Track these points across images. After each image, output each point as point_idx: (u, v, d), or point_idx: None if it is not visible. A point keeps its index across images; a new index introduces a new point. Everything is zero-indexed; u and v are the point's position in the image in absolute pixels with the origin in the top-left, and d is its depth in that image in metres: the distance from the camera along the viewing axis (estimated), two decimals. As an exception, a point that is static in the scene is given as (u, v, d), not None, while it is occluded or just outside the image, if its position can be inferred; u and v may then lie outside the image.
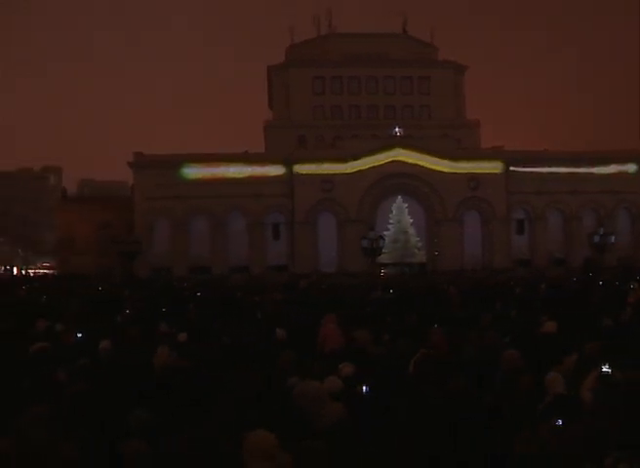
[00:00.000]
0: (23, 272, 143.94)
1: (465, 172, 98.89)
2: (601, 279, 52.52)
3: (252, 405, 9.63)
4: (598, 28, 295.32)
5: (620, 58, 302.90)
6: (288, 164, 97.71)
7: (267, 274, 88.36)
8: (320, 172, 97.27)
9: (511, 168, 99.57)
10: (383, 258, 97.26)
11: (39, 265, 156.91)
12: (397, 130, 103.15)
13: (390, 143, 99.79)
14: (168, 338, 17.99)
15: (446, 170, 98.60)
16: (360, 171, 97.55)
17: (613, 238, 57.27)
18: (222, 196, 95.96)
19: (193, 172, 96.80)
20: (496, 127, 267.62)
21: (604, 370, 10.41)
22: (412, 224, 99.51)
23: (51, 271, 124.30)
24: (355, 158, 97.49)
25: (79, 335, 18.99)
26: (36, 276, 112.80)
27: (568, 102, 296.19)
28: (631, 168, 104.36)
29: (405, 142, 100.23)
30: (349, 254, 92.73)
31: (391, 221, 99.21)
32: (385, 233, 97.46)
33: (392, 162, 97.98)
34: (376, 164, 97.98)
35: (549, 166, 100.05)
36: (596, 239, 59.61)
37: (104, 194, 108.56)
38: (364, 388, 10.73)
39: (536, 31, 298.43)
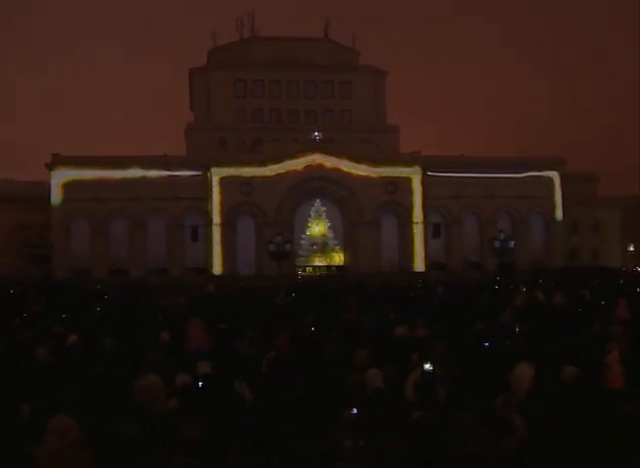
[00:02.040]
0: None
1: (383, 176, 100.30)
2: (512, 282, 54.17)
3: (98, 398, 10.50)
4: (523, 38, 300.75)
5: (544, 65, 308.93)
6: (207, 167, 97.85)
7: (186, 276, 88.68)
8: (239, 175, 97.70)
9: (428, 172, 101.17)
10: (302, 261, 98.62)
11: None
12: (316, 134, 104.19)
13: (309, 147, 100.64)
14: (52, 340, 18.54)
15: (364, 174, 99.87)
16: (279, 174, 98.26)
17: (512, 243, 58.84)
18: (141, 198, 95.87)
19: (112, 173, 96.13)
20: (415, 132, 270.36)
21: (426, 367, 11.39)
22: (330, 227, 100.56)
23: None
24: (275, 161, 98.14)
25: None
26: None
27: (486, 109, 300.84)
28: (546, 174, 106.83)
29: (324, 146, 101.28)
30: (268, 257, 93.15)
31: (309, 224, 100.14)
32: (303, 236, 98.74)
33: (311, 166, 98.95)
34: (295, 167, 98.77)
35: (466, 171, 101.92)
36: (496, 244, 61.24)
37: (24, 195, 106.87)
38: (199, 383, 11.58)
39: (458, 36, 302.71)
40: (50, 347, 16.90)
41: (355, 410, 8.92)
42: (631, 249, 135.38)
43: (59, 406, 9.29)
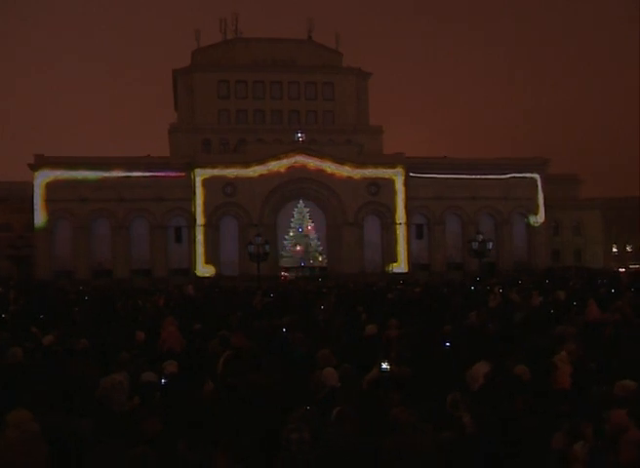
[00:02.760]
0: None
1: (366, 177, 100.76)
2: (489, 283, 54.60)
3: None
4: (507, 40, 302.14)
5: (527, 66, 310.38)
6: (190, 167, 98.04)
7: (169, 277, 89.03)
8: (222, 175, 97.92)
9: (411, 173, 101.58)
10: (285, 262, 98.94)
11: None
12: (299, 135, 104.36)
13: (292, 148, 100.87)
14: (28, 340, 18.87)
15: (347, 175, 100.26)
16: (262, 175, 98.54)
17: (491, 244, 59.37)
18: (125, 199, 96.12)
19: (95, 174, 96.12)
20: (399, 133, 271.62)
21: (383, 366, 11.79)
22: (313, 228, 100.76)
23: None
24: (258, 163, 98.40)
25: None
26: None
27: (470, 110, 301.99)
28: (529, 175, 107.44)
29: (307, 148, 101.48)
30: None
31: (293, 225, 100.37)
32: (286, 237, 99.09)
33: (294, 167, 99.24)
34: (278, 169, 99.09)
35: (448, 172, 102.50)
36: (474, 246, 61.77)
37: (8, 195, 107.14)
38: (162, 380, 11.98)
39: (442, 37, 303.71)
40: (24, 347, 17.18)
41: (308, 407, 9.30)
42: (615, 250, 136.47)
43: (20, 401, 9.68)
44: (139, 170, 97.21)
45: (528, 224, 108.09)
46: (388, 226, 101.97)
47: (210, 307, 31.73)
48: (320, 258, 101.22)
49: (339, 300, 34.70)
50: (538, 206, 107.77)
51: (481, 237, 59.52)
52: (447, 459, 8.27)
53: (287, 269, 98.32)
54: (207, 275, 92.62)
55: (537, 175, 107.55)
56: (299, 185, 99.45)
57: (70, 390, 11.12)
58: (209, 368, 13.55)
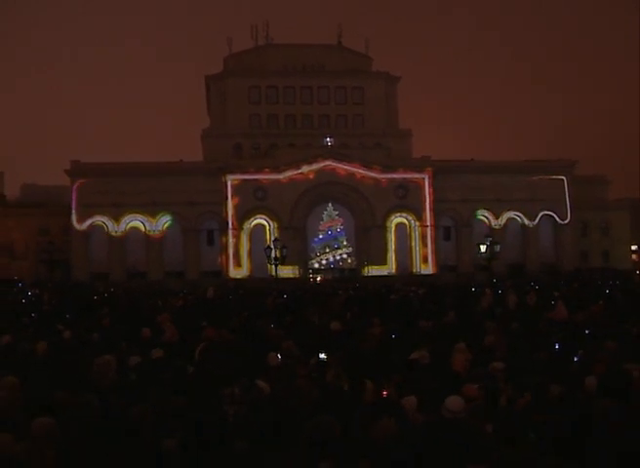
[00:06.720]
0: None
1: (394, 180, 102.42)
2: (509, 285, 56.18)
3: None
4: (534, 43, 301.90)
5: (554, 68, 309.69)
6: (222, 172, 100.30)
7: (201, 279, 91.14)
8: (253, 180, 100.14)
9: (438, 176, 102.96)
10: (315, 264, 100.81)
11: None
12: (328, 140, 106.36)
13: (322, 153, 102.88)
14: (52, 336, 21.29)
15: (376, 178, 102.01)
16: (292, 179, 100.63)
17: (499, 247, 60.76)
18: (158, 203, 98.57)
19: (129, 179, 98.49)
20: (427, 136, 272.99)
21: (321, 356, 14.02)
22: (342, 231, 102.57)
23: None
24: (288, 167, 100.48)
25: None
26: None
27: (497, 113, 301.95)
28: (556, 177, 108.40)
29: (336, 152, 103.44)
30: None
31: (322, 228, 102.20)
32: (316, 239, 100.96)
33: (324, 171, 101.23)
34: (308, 173, 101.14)
35: (475, 175, 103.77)
36: (483, 248, 63.13)
37: (46, 199, 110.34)
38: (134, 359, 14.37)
39: (470, 41, 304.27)
40: (48, 342, 19.55)
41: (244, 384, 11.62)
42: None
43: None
44: (172, 174, 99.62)
45: (555, 226, 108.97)
46: (416, 229, 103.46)
47: (222, 307, 34.06)
48: (349, 261, 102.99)
49: (348, 301, 36.81)
50: (565, 207, 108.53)
51: (490, 240, 61.00)
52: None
53: (316, 271, 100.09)
54: (238, 277, 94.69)
55: (564, 177, 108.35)
56: (328, 189, 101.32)
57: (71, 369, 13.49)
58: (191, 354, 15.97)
